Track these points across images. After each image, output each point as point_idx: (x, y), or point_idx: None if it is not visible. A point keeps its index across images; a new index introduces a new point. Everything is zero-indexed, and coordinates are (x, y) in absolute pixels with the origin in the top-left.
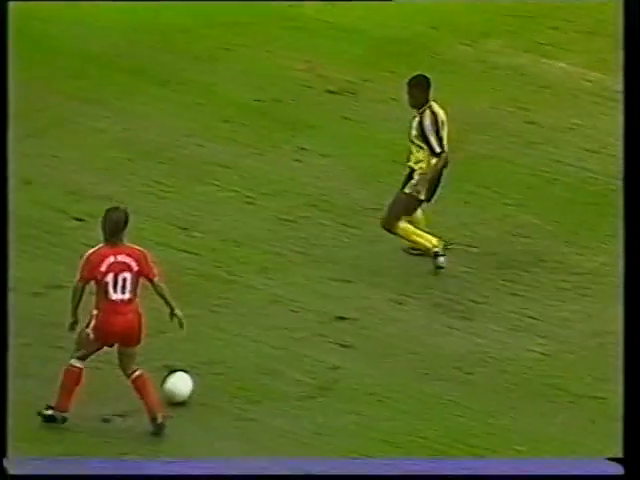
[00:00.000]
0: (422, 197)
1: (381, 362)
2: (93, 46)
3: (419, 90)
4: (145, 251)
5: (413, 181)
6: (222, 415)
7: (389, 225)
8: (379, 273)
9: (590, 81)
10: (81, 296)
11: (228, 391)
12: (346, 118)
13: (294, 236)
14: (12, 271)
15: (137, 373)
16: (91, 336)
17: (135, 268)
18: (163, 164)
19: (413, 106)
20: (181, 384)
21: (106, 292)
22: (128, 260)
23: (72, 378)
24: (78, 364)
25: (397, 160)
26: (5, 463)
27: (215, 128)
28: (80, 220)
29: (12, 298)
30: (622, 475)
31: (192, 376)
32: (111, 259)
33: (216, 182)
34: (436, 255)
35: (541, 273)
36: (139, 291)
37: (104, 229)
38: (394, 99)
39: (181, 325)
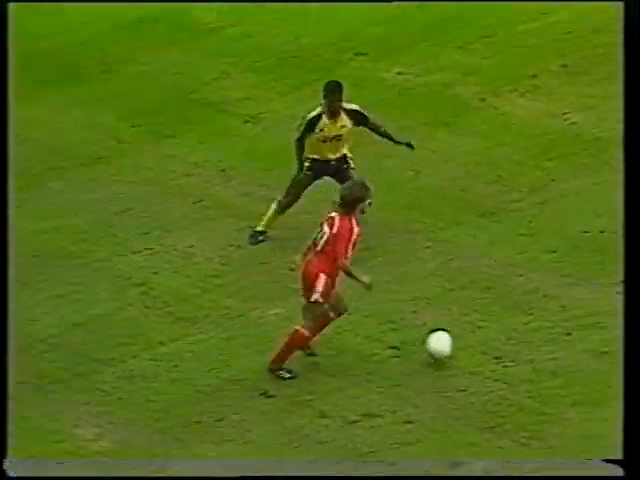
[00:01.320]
0: None
1: None
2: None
3: (338, 94)
4: (348, 233)
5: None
6: None
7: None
8: None
9: None
10: None
11: None
12: None
13: (612, 370)
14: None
15: (296, 328)
16: None
17: (334, 231)
18: (484, 294)
19: (333, 109)
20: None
21: (316, 238)
22: (337, 221)
23: None
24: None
25: None
26: (5, 465)
27: (539, 259)
28: (396, 348)
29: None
30: (622, 477)
31: None
32: (332, 214)
33: (534, 312)
34: (254, 234)
35: None
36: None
37: (343, 199)
38: None
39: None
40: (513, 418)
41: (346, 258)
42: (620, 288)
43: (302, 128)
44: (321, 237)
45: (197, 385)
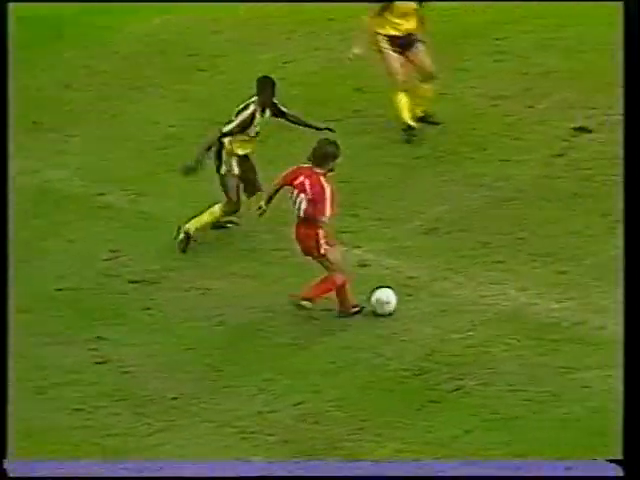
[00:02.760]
0: None
1: None
2: None
3: (271, 89)
4: (328, 191)
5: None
6: None
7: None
8: None
9: None
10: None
11: None
12: (147, 308)
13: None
14: None
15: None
16: None
17: (309, 196)
18: None
19: (268, 104)
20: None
21: (294, 204)
22: (307, 184)
23: None
24: None
25: (194, 349)
26: (5, 465)
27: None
28: None
29: None
30: (622, 476)
31: None
32: (301, 179)
33: (10, 372)
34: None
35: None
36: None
37: (314, 154)
38: (198, 288)
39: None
40: None
41: (324, 216)
42: (94, 345)
43: (232, 127)
44: (299, 203)
45: None
